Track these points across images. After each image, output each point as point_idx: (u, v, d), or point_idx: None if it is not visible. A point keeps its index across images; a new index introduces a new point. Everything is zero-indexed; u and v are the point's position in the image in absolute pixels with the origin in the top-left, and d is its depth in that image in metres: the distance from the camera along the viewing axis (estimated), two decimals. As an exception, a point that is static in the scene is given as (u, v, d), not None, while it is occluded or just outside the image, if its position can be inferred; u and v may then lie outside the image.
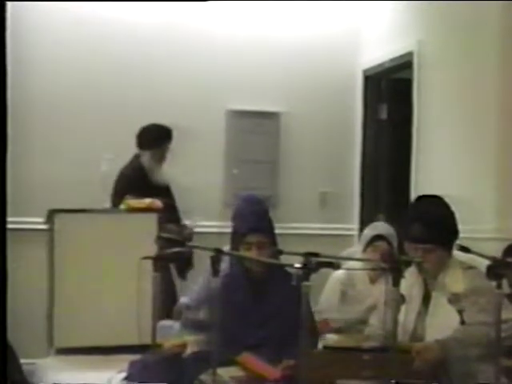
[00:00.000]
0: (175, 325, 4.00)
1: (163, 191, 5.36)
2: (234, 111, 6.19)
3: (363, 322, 4.14)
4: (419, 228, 3.38)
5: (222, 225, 5.41)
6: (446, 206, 3.51)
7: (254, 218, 3.59)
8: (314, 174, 6.36)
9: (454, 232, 3.45)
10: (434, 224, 3.38)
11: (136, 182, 5.49)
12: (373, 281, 4.31)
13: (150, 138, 5.50)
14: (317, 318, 4.01)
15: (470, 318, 3.18)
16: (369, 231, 4.49)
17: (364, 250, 4.39)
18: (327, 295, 4.39)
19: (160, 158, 5.49)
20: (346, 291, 4.35)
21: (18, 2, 5.29)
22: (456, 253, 3.38)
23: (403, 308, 3.36)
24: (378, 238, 4.36)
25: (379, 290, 4.13)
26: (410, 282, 3.48)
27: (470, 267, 3.39)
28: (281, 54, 6.27)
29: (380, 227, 4.53)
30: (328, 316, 4.28)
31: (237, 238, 3.58)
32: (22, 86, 5.61)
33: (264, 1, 6.16)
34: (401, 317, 3.36)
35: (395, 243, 4.35)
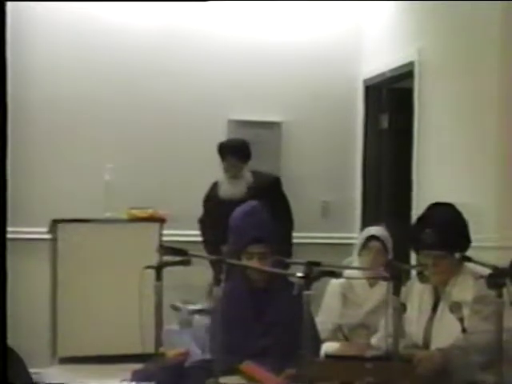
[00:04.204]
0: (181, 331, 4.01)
1: (231, 207, 5.27)
2: (236, 121, 6.21)
3: (363, 325, 4.23)
4: (431, 234, 3.38)
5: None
6: (458, 214, 3.52)
7: (255, 228, 3.59)
8: (316, 183, 6.38)
9: (464, 239, 3.46)
10: (446, 231, 3.38)
11: (207, 196, 5.63)
12: (371, 284, 4.35)
13: (219, 152, 5.55)
14: (322, 323, 4.07)
15: (474, 327, 3.19)
16: (362, 234, 4.57)
17: (359, 254, 4.44)
18: (329, 300, 4.42)
19: (228, 173, 5.50)
20: (347, 295, 4.38)
21: (18, 1, 5.31)
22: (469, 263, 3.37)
23: (415, 313, 3.39)
24: (371, 238, 4.42)
25: (378, 294, 4.20)
26: (421, 287, 3.49)
27: (482, 276, 3.39)
28: (281, 64, 6.30)
29: (373, 229, 4.58)
30: (331, 321, 4.32)
31: (238, 248, 3.59)
32: (23, 95, 5.64)
33: (264, 2, 6.18)
34: (413, 322, 3.39)
35: (389, 244, 4.42)
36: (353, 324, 4.29)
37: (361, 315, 4.30)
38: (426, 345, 3.40)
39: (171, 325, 4.95)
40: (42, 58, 5.90)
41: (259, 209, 3.77)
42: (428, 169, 5.23)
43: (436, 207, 3.59)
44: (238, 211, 3.79)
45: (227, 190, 5.46)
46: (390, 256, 4.43)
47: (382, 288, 3.98)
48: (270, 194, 5.37)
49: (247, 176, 5.51)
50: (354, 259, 4.52)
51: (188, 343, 3.90)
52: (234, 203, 5.21)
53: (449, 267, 3.40)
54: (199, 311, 5.06)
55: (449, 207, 3.55)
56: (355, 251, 4.56)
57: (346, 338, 4.29)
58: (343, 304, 4.37)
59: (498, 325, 2.74)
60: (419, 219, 3.61)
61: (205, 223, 5.63)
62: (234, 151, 5.50)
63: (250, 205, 3.84)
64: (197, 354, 3.78)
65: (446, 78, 5.06)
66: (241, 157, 5.51)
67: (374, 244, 4.40)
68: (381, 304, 4.11)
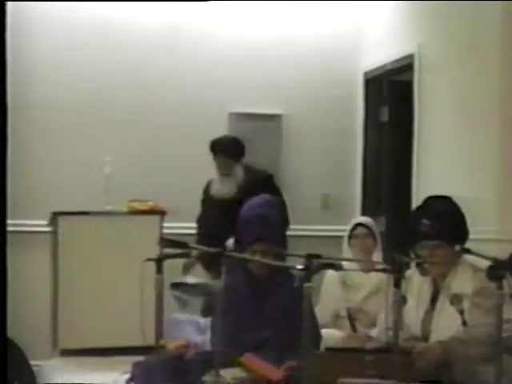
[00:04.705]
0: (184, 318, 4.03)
1: (222, 205, 5.31)
2: (236, 114, 6.20)
3: (362, 311, 4.34)
4: (427, 224, 3.40)
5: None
6: (455, 206, 3.53)
7: (259, 227, 3.58)
8: (316, 176, 6.38)
9: (462, 231, 3.47)
10: (441, 220, 3.41)
11: (203, 194, 5.61)
12: (364, 270, 4.41)
13: (211, 149, 5.49)
14: (322, 309, 4.20)
15: (475, 319, 3.19)
16: (349, 225, 4.74)
17: (349, 243, 4.60)
18: (328, 287, 4.48)
19: (219, 171, 5.45)
20: (345, 281, 4.47)
21: (18, 1, 5.30)
22: (468, 256, 3.37)
23: (414, 305, 3.40)
24: (357, 226, 4.65)
25: (373, 279, 4.30)
26: (420, 279, 3.51)
27: (481, 270, 3.39)
28: (282, 56, 6.29)
29: (359, 218, 5.01)
30: (331, 307, 4.40)
31: (241, 244, 3.59)
32: (23, 89, 5.63)
33: (265, 0, 6.18)
34: (411, 314, 3.39)
35: (375, 229, 4.65)
36: (351, 308, 4.35)
37: (358, 299, 4.39)
38: (425, 337, 3.41)
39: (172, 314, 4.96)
40: (42, 52, 5.89)
41: (270, 204, 3.77)
42: (428, 161, 5.23)
43: (433, 199, 3.61)
44: (249, 205, 3.78)
45: (218, 189, 5.43)
46: (379, 241, 4.62)
47: (377, 273, 4.06)
48: (263, 191, 5.34)
49: (239, 174, 5.43)
50: (345, 251, 4.58)
51: (191, 332, 3.91)
52: (225, 202, 5.25)
53: (445, 258, 3.41)
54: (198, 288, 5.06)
55: (446, 199, 3.58)
56: (344, 243, 4.64)
57: (352, 323, 4.33)
58: (342, 289, 4.44)
59: (498, 317, 2.75)
60: (416, 211, 3.64)
61: (200, 222, 5.61)
62: (225, 149, 5.41)
63: (262, 198, 3.83)
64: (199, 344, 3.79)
65: (446, 71, 5.06)
66: (232, 155, 5.42)
67: (361, 230, 4.60)
68: (377, 289, 4.21)
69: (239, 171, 5.44)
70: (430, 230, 3.40)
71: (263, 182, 5.46)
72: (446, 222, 3.42)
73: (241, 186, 5.36)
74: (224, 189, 5.39)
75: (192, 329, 4.21)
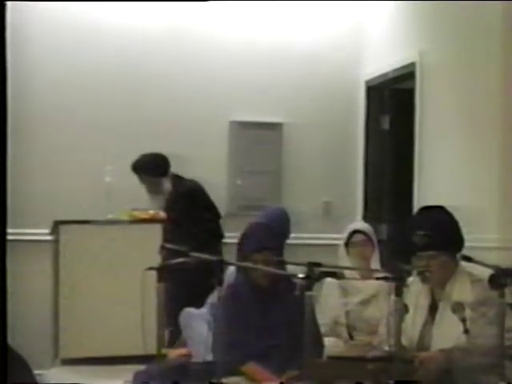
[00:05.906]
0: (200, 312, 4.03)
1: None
2: (237, 122, 6.20)
3: (358, 316, 4.32)
4: (421, 235, 3.40)
5: (228, 235, 5.45)
6: (449, 215, 3.53)
7: (262, 236, 3.60)
8: (317, 184, 6.37)
9: (457, 240, 3.47)
10: (435, 231, 3.41)
11: None
12: (363, 277, 4.40)
13: (132, 171, 5.56)
14: (321, 317, 4.13)
15: (478, 330, 3.18)
16: (346, 231, 4.67)
17: (347, 251, 4.53)
18: (327, 293, 4.46)
19: (146, 189, 5.53)
20: (345, 286, 4.43)
21: (18, 1, 5.30)
22: (465, 264, 3.38)
23: (410, 316, 3.38)
24: (354, 233, 4.58)
25: (371, 285, 4.26)
26: (417, 290, 3.50)
27: (480, 279, 3.39)
28: (283, 64, 6.29)
29: (355, 224, 4.87)
30: (332, 313, 4.37)
31: (243, 252, 3.60)
32: (24, 96, 5.63)
33: (265, 2, 6.17)
34: (408, 325, 3.38)
35: (373, 236, 4.60)
36: (349, 314, 4.33)
37: (354, 305, 4.36)
38: (423, 347, 3.40)
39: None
40: (42, 58, 5.90)
41: (273, 215, 3.80)
42: (429, 170, 5.23)
43: (426, 210, 3.63)
44: (259, 215, 3.81)
45: (150, 207, 5.50)
46: (376, 247, 4.59)
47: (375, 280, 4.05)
48: (190, 202, 5.39)
49: (167, 189, 5.49)
50: (341, 258, 4.55)
51: (203, 327, 3.89)
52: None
53: (442, 267, 3.41)
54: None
55: (439, 209, 3.58)
56: (341, 250, 4.60)
57: (349, 330, 4.32)
58: (341, 296, 4.42)
59: (500, 325, 2.74)
60: (410, 222, 3.64)
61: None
62: (146, 168, 5.48)
63: (266, 209, 3.86)
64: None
65: (447, 79, 5.06)
66: (153, 173, 5.48)
67: (359, 237, 4.54)
68: (375, 294, 4.20)
69: (167, 186, 5.49)
70: (424, 241, 3.41)
71: (182, 194, 5.48)
72: (440, 232, 3.42)
73: (169, 200, 5.44)
74: (153, 206, 5.47)
75: (203, 323, 4.18)
